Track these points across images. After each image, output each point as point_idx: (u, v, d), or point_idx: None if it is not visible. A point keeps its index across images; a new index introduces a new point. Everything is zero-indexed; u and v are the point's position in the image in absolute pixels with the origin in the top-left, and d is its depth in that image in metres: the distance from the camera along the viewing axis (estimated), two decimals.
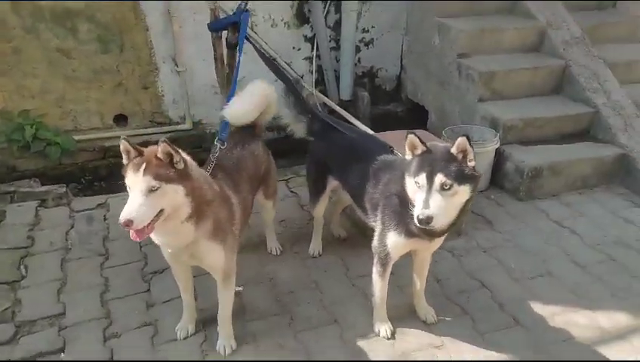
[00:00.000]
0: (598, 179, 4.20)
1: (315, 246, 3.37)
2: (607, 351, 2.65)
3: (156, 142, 2.04)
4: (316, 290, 3.07)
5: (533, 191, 4.02)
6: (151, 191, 1.97)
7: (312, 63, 5.20)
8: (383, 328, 2.73)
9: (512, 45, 4.76)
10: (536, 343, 2.70)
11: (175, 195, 2.03)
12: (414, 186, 2.17)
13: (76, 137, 4.56)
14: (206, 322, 2.78)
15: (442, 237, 2.48)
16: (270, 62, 3.71)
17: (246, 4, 3.43)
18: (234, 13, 3.50)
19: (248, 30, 3.73)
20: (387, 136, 3.39)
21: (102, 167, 4.73)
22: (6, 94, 4.36)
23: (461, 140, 2.12)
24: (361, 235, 3.56)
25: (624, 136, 4.21)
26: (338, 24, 5.10)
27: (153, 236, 2.17)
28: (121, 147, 2.05)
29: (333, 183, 3.04)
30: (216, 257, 2.32)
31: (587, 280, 3.18)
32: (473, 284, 3.13)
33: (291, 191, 4.13)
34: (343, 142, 2.89)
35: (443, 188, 2.10)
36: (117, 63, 4.60)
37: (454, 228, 2.38)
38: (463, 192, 2.15)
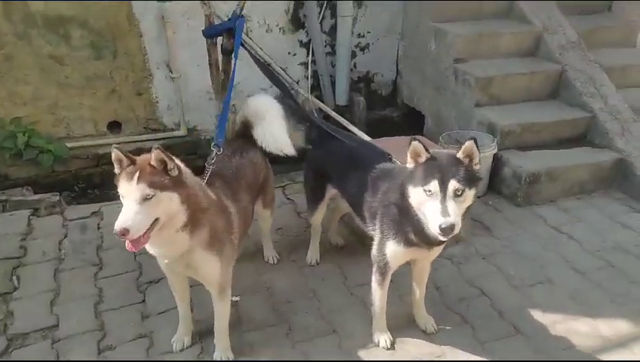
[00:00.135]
0: (596, 184, 4.19)
1: (313, 254, 3.33)
2: (609, 359, 2.63)
3: (149, 150, 2.00)
4: (314, 299, 3.03)
5: (531, 196, 4.00)
6: (145, 199, 1.93)
7: (307, 69, 5.17)
8: (383, 338, 2.69)
9: (509, 50, 4.75)
10: (537, 352, 2.67)
11: (170, 203, 1.99)
12: (423, 195, 2.11)
13: (69, 144, 4.50)
14: (202, 333, 2.74)
15: (442, 246, 2.45)
16: (265, 68, 3.68)
17: (241, 9, 3.40)
18: (229, 19, 3.46)
19: (243, 36, 3.70)
20: (383, 143, 3.36)
21: (95, 175, 4.68)
22: None
23: (469, 144, 2.09)
24: (359, 243, 3.53)
25: (621, 141, 4.20)
26: (334, 29, 5.07)
27: (148, 247, 2.13)
28: (113, 156, 2.01)
29: (331, 191, 3.01)
30: (211, 268, 2.28)
31: (587, 287, 3.16)
32: (473, 292, 3.10)
33: (288, 198, 4.09)
34: (342, 150, 2.86)
35: (456, 194, 2.06)
36: (110, 70, 4.55)
37: (458, 236, 2.34)
38: (470, 196, 2.12)
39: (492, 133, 4.16)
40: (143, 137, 4.81)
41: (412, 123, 5.31)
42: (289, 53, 5.09)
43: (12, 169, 4.36)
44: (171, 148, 3.79)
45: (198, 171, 2.40)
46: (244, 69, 3.80)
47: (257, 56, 4.09)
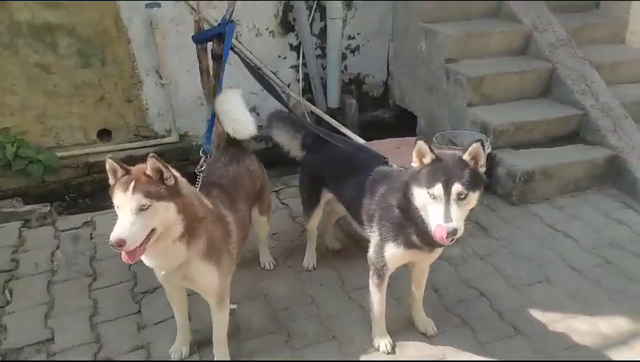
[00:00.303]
0: (590, 182, 4.20)
1: (310, 259, 3.31)
2: (610, 357, 2.62)
3: (143, 158, 1.96)
4: (312, 305, 3.00)
5: (526, 195, 4.00)
6: (142, 209, 1.89)
7: (298, 72, 5.15)
8: (383, 342, 2.67)
9: (499, 49, 4.75)
10: (538, 352, 2.66)
11: (167, 213, 1.95)
12: (427, 197, 2.08)
13: (59, 154, 4.45)
14: (200, 343, 2.70)
15: (442, 248, 2.43)
16: (256, 73, 3.65)
17: (231, 14, 3.37)
18: (219, 24, 3.43)
19: (233, 40, 3.67)
20: (376, 146, 3.35)
21: (86, 184, 4.63)
22: None
23: (476, 146, 2.07)
24: (355, 247, 3.50)
25: (614, 138, 4.21)
26: (323, 31, 5.06)
27: (144, 258, 2.09)
28: (107, 166, 1.97)
29: (327, 195, 2.99)
30: (209, 279, 2.24)
31: (585, 285, 3.16)
32: (471, 293, 3.09)
33: (282, 203, 4.06)
34: (337, 154, 2.84)
35: (459, 197, 2.04)
36: (99, 77, 4.50)
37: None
38: (474, 199, 2.10)
39: (485, 133, 4.16)
40: (134, 145, 4.77)
41: (404, 124, 5.31)
42: (279, 56, 5.06)
43: (1, 180, 4.31)
44: (163, 154, 3.70)
45: (191, 177, 2.36)
46: (236, 73, 3.78)
47: (248, 61, 4.07)
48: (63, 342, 2.74)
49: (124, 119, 4.73)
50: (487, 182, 2.15)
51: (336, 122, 4.81)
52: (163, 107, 4.79)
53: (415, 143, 2.15)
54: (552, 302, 3.01)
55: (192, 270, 2.17)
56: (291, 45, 5.06)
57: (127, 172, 1.95)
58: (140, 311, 2.95)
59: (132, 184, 1.88)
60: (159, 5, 4.39)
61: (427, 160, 2.14)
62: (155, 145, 4.77)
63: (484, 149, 2.09)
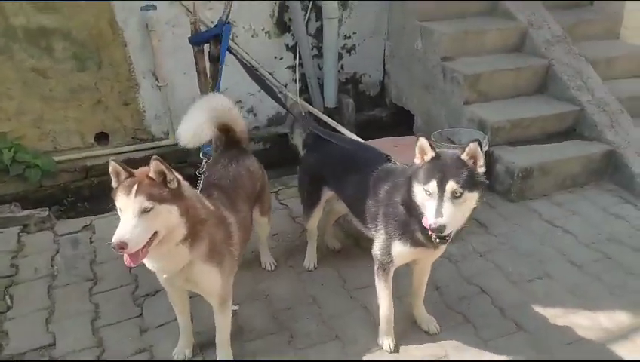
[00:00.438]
0: (587, 177, 4.21)
1: (310, 259, 3.31)
2: (612, 352, 2.63)
3: (140, 161, 1.96)
4: (314, 305, 3.00)
5: (524, 191, 4.01)
6: (144, 212, 1.89)
7: (294, 72, 5.15)
8: (387, 341, 2.67)
9: (495, 46, 4.77)
10: (540, 347, 2.66)
11: (169, 216, 1.95)
12: (424, 194, 2.11)
13: (56, 158, 4.44)
14: (203, 345, 2.70)
15: (445, 245, 2.43)
16: (253, 74, 3.65)
17: (227, 15, 3.37)
18: (215, 26, 3.43)
19: (230, 42, 3.67)
20: (374, 145, 3.34)
21: (84, 188, 4.61)
22: None
23: (473, 146, 2.08)
24: (356, 246, 3.52)
25: (610, 133, 4.23)
26: (319, 31, 5.06)
27: (147, 261, 2.09)
28: (110, 169, 1.97)
29: (328, 194, 3.00)
30: (212, 281, 2.24)
31: (585, 280, 3.17)
32: (472, 290, 3.09)
33: (281, 204, 4.05)
34: (339, 153, 2.85)
35: (454, 195, 2.05)
36: (95, 81, 4.49)
37: (459, 235, 2.33)
38: (472, 199, 2.11)
39: (482, 130, 4.17)
40: (132, 147, 4.76)
41: (401, 122, 5.32)
42: (276, 57, 5.06)
43: None
44: (161, 157, 3.74)
45: (189, 180, 2.35)
46: (234, 75, 3.78)
47: (245, 62, 4.06)
48: (65, 346, 2.73)
49: (122, 122, 4.72)
50: (486, 183, 2.16)
51: (334, 122, 4.80)
52: (160, 109, 4.78)
53: (417, 140, 2.17)
54: (552, 297, 3.02)
55: (195, 272, 2.17)
56: (287, 46, 5.06)
57: (131, 174, 1.95)
58: (141, 314, 2.95)
59: (135, 187, 1.88)
60: (155, 7, 4.38)
61: (428, 157, 2.16)
62: (152, 148, 4.76)
63: (481, 149, 2.10)
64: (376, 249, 2.53)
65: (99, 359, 2.65)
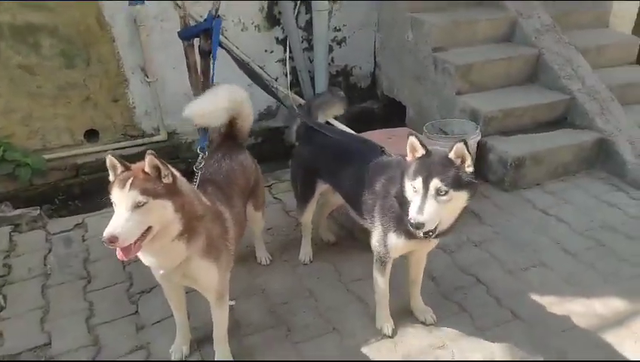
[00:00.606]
0: (579, 165, 4.24)
1: (306, 252, 3.30)
2: (608, 339, 2.65)
3: (131, 158, 1.94)
4: (311, 298, 3.00)
5: (517, 181, 4.03)
6: (137, 206, 1.87)
7: (285, 65, 5.12)
8: (386, 325, 2.70)
9: (485, 36, 4.77)
10: (536, 335, 2.68)
11: (164, 211, 1.93)
12: (411, 190, 2.15)
13: (46, 156, 4.38)
14: (200, 341, 2.69)
15: (439, 238, 2.44)
16: (246, 68, 3.63)
17: (217, 9, 3.34)
18: (205, 20, 3.40)
19: (220, 36, 3.63)
20: (368, 137, 3.34)
21: (75, 186, 4.57)
22: None
23: (459, 146, 2.09)
24: (350, 238, 3.51)
25: (601, 121, 4.25)
26: (309, 24, 5.03)
27: (143, 257, 2.07)
28: (107, 163, 1.95)
29: (322, 187, 2.99)
30: (210, 276, 2.23)
31: (579, 268, 3.19)
32: (468, 280, 3.11)
33: (275, 198, 4.04)
34: (334, 145, 2.84)
35: (438, 193, 2.08)
36: (84, 77, 4.43)
37: (451, 231, 2.34)
38: (460, 198, 2.14)
39: (475, 120, 4.17)
40: (122, 144, 4.70)
41: (393, 114, 5.31)
42: (266, 50, 5.03)
43: None
44: None
45: (183, 175, 2.34)
46: (223, 69, 3.73)
47: (235, 55, 4.04)
48: (60, 345, 2.71)
49: (111, 119, 4.67)
50: (475, 183, 2.16)
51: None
52: (150, 105, 4.73)
53: (407, 138, 2.20)
54: (547, 285, 3.04)
55: (192, 268, 2.15)
56: (277, 39, 5.03)
57: (127, 169, 1.93)
58: (137, 312, 2.93)
59: (129, 181, 1.86)
60: (142, 2, 4.33)
61: (418, 154, 2.20)
62: (143, 145, 4.71)
63: (468, 150, 2.11)
64: (374, 241, 2.55)
65: (95, 357, 2.64)
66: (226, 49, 3.62)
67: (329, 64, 5.25)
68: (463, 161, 2.12)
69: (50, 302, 3.03)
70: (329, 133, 2.91)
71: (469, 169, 2.13)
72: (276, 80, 5.13)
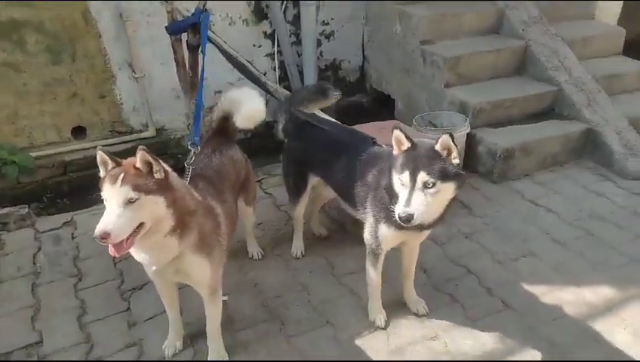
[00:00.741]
0: (567, 156, 4.28)
1: (298, 246, 3.30)
2: (597, 326, 2.69)
3: (120, 154, 1.93)
4: (303, 292, 3.00)
5: (506, 172, 4.05)
6: (129, 202, 1.86)
7: (274, 60, 5.10)
8: (379, 317, 2.72)
9: (473, 29, 4.79)
10: (527, 324, 2.71)
11: (156, 207, 1.92)
12: (399, 183, 2.17)
13: (33, 154, 4.34)
14: (193, 336, 2.68)
15: (430, 229, 2.46)
16: (235, 62, 3.62)
17: (205, 4, 3.31)
18: (193, 14, 3.38)
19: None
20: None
21: (63, 183, 4.53)
22: None
23: (445, 138, 2.11)
24: (342, 232, 3.52)
25: (588, 111, 4.29)
26: (297, 18, 5.01)
27: (135, 254, 2.06)
28: (98, 158, 1.93)
29: (314, 180, 2.99)
30: (202, 271, 2.22)
31: (568, 257, 3.23)
32: (459, 271, 3.13)
33: (265, 193, 4.03)
34: (325, 137, 2.84)
35: (426, 186, 2.10)
36: (70, 73, 4.39)
37: (441, 222, 2.36)
38: (447, 190, 2.16)
39: (464, 112, 4.19)
40: (110, 141, 4.67)
41: (382, 107, 5.32)
42: (254, 45, 5.00)
43: None
44: None
45: (173, 171, 2.33)
46: (212, 64, 3.72)
47: (225, 49, 4.02)
48: (52, 343, 2.69)
49: (99, 115, 4.63)
50: (463, 174, 2.19)
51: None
52: (138, 101, 4.69)
53: (392, 132, 2.21)
54: (538, 275, 3.07)
55: (185, 264, 2.14)
56: (265, 33, 5.01)
57: (118, 164, 1.91)
58: (129, 309, 2.91)
59: (121, 176, 1.85)
60: None
61: (404, 147, 2.20)
62: (131, 141, 4.68)
63: (453, 141, 2.12)
64: (366, 233, 2.56)
65: (87, 355, 2.62)
66: (214, 43, 3.60)
67: (318, 58, 5.24)
68: (449, 153, 2.14)
69: (41, 300, 3.00)
70: (319, 125, 2.91)
71: (456, 160, 2.15)
72: (265, 74, 5.09)
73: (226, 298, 2.84)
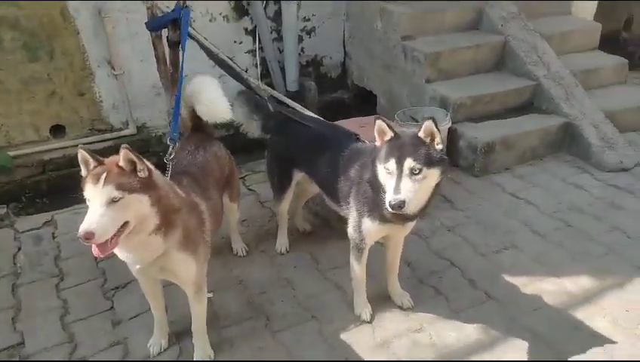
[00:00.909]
0: (546, 149, 4.34)
1: (282, 242, 3.31)
2: (578, 315, 2.74)
3: (100, 153, 1.91)
4: (288, 287, 3.01)
5: (487, 166, 4.11)
6: (113, 202, 1.83)
7: (255, 56, 5.08)
8: (364, 311, 2.74)
9: (453, 25, 4.83)
10: (509, 315, 2.76)
11: (140, 206, 1.90)
12: (385, 173, 2.17)
13: (11, 153, 4.25)
14: (179, 334, 2.67)
15: (414, 221, 2.49)
16: (217, 58, 3.59)
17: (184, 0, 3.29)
18: (173, 10, 3.35)
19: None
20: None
21: (43, 182, 4.45)
22: None
23: (428, 124, 2.13)
24: (326, 227, 3.54)
25: (566, 106, 4.36)
26: (278, 14, 4.99)
27: (119, 253, 2.04)
28: (79, 157, 1.91)
29: (298, 176, 3.00)
30: (188, 269, 2.21)
31: (549, 248, 3.28)
32: (443, 264, 3.16)
33: (249, 189, 4.03)
34: (308, 133, 2.85)
35: (412, 172, 2.11)
36: (48, 71, 4.30)
37: (426, 211, 2.38)
38: (433, 175, 2.18)
39: (445, 107, 4.23)
40: (90, 139, 4.59)
41: (364, 103, 5.33)
42: (235, 41, 4.97)
43: None
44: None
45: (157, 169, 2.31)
46: (193, 61, 3.68)
47: (206, 45, 3.98)
48: (34, 344, 2.66)
49: (78, 113, 4.56)
50: (446, 159, 2.22)
51: (298, 105, 4.77)
52: (118, 99, 4.63)
53: (375, 123, 2.22)
54: (519, 266, 3.12)
55: (170, 262, 2.13)
56: (246, 29, 4.98)
57: (100, 163, 1.89)
58: (112, 308, 2.89)
59: (103, 176, 1.82)
60: None
61: (387, 137, 2.22)
62: (112, 139, 4.62)
63: (437, 127, 2.14)
64: (350, 228, 2.57)
65: (71, 355, 2.59)
66: (194, 39, 3.57)
67: (299, 54, 5.23)
68: (433, 139, 2.17)
69: (22, 300, 2.97)
70: (302, 121, 2.91)
71: (439, 146, 2.18)
72: (246, 71, 5.07)
73: (210, 295, 2.83)
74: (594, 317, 2.72)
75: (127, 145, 1.87)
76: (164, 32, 3.53)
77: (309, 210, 3.70)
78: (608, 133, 4.25)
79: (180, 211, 2.07)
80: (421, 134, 2.16)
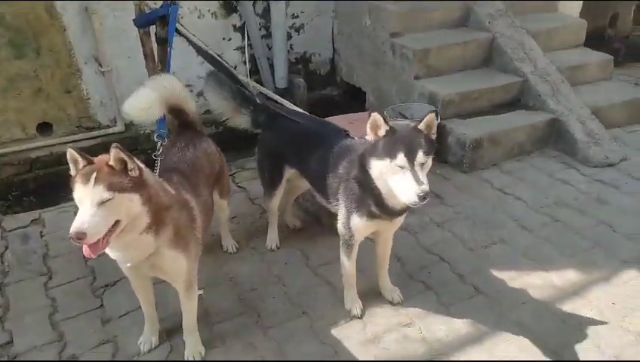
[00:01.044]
0: (533, 145, 4.39)
1: (272, 239, 3.31)
2: (565, 309, 2.78)
3: (87, 151, 1.90)
4: (279, 284, 3.01)
5: (475, 162, 4.14)
6: (104, 202, 1.82)
7: (244, 53, 5.06)
8: (355, 306, 2.76)
9: (441, 21, 4.86)
10: (498, 309, 2.78)
11: (131, 205, 1.89)
12: (389, 168, 2.17)
13: None
14: (169, 331, 2.67)
15: (403, 216, 2.51)
16: (206, 54, 3.58)
17: None
18: (161, 7, 3.33)
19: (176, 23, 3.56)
20: None
21: (29, 181, 4.41)
22: None
23: (431, 116, 2.21)
24: (316, 223, 3.54)
25: (553, 102, 4.40)
26: (267, 11, 4.98)
27: (110, 252, 2.03)
28: (68, 156, 1.88)
29: (289, 172, 3.00)
30: (179, 267, 2.21)
31: (536, 243, 3.32)
32: (432, 259, 3.19)
33: (239, 186, 4.02)
34: (298, 129, 2.85)
35: (421, 164, 2.16)
36: (34, 68, 4.26)
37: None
38: (429, 164, 2.23)
39: (433, 104, 4.26)
40: (77, 137, 4.56)
41: (353, 100, 5.34)
42: (224, 38, 4.95)
43: None
44: (109, 145, 3.62)
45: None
46: (182, 57, 3.69)
47: (194, 41, 3.98)
48: (23, 343, 2.64)
49: (65, 111, 4.52)
50: (437, 147, 2.29)
51: (287, 102, 4.77)
52: (105, 96, 4.60)
53: (369, 116, 2.22)
54: (507, 261, 3.15)
55: (161, 259, 2.12)
56: (235, 26, 4.97)
57: (89, 162, 1.87)
58: (102, 306, 2.88)
59: (94, 175, 1.80)
60: None
61: (382, 132, 2.22)
62: (100, 136, 4.59)
63: (438, 119, 2.19)
64: (339, 224, 2.58)
65: (61, 353, 2.58)
66: (183, 36, 3.55)
67: (288, 51, 5.23)
68: (430, 130, 2.23)
69: (10, 299, 2.94)
70: (292, 117, 2.91)
71: (434, 136, 2.25)
72: (235, 68, 5.07)
73: (201, 292, 2.83)
74: (581, 310, 2.75)
75: (118, 144, 1.85)
76: (153, 29, 3.51)
77: (299, 206, 3.71)
78: (594, 128, 4.31)
79: (170, 209, 2.07)
80: (422, 126, 2.21)
